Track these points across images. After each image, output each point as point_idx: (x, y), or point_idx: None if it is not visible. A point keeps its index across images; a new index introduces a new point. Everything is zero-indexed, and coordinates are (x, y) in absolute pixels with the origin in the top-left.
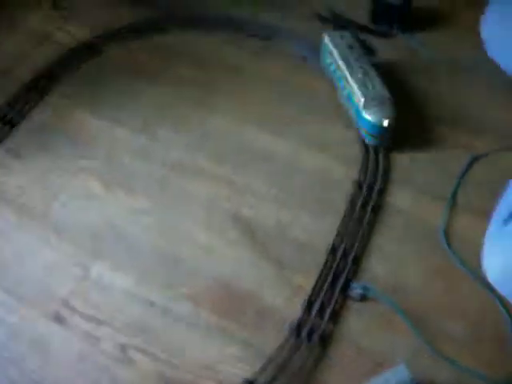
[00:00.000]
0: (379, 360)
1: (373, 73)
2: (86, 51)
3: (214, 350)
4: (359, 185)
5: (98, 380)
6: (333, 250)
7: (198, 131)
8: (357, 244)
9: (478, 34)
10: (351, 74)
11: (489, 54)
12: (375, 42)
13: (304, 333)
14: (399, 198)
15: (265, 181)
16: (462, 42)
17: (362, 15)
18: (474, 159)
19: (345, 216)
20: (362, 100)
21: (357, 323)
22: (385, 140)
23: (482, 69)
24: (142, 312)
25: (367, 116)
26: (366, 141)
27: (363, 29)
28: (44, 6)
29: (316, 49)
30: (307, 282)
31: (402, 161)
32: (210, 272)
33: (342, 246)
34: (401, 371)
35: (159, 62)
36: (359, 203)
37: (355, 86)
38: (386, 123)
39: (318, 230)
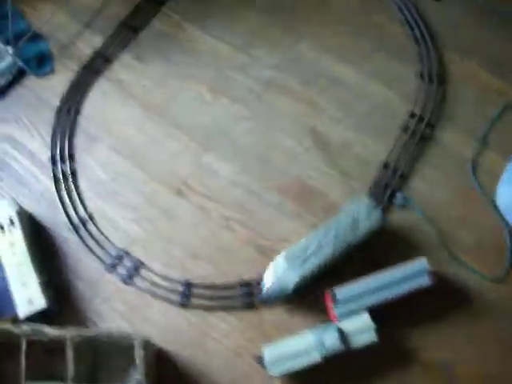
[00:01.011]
0: (409, 251)
1: (320, 256)
2: None
3: (292, 228)
4: (412, 116)
5: (208, 239)
6: (385, 165)
7: (287, 55)
8: (404, 164)
9: None
10: (320, 237)
11: None
12: None
13: None
14: (442, 131)
15: (337, 104)
16: None
17: None
18: (509, 105)
19: (397, 141)
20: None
21: (396, 224)
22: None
23: None
24: (242, 195)
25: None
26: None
27: None
28: None
29: None
30: (363, 188)
31: (451, 99)
32: (292, 171)
33: (393, 164)
34: (422, 263)
35: None
36: (410, 132)
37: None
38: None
39: (375, 149)
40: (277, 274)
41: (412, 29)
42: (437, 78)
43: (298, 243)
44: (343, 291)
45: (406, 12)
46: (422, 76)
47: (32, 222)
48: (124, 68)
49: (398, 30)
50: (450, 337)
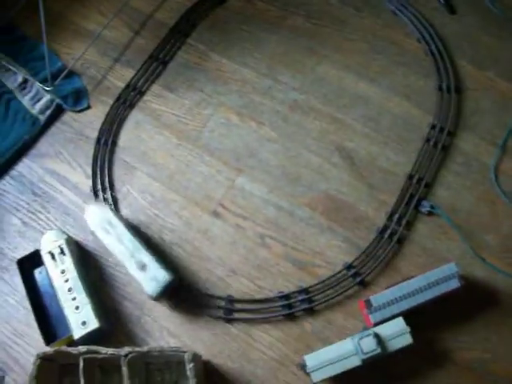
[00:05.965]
0: (437, 257)
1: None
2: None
3: (324, 242)
4: (433, 127)
5: (246, 255)
6: (410, 176)
7: (310, 76)
8: (428, 173)
9: None
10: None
11: None
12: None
13: (386, 234)
14: (462, 140)
15: (361, 120)
16: None
17: None
18: None
19: (420, 151)
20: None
21: (424, 231)
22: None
23: None
24: (274, 213)
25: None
26: None
27: None
28: None
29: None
30: (390, 199)
31: (470, 108)
32: (321, 187)
33: (417, 174)
34: (451, 267)
35: (274, 10)
36: (432, 142)
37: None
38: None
39: (399, 161)
40: None
41: (428, 43)
42: (455, 89)
43: None
44: (378, 299)
45: (420, 27)
46: (440, 88)
47: (79, 249)
48: (155, 99)
49: (414, 45)
50: (483, 336)
